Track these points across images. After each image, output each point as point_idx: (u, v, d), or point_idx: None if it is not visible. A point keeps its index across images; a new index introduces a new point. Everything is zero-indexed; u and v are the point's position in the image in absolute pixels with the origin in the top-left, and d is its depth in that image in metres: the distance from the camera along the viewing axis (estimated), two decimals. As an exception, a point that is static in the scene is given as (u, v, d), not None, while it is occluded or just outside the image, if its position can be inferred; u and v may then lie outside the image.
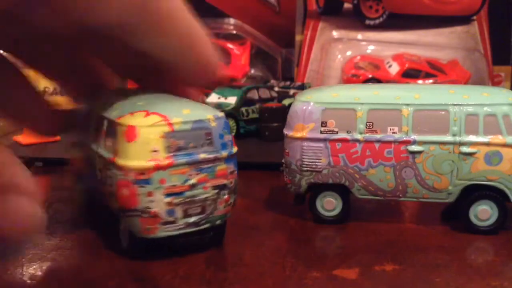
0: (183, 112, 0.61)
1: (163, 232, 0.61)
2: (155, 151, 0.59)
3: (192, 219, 0.62)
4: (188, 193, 0.61)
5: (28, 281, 0.60)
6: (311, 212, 0.76)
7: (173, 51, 0.56)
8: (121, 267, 0.62)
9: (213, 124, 0.62)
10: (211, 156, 0.62)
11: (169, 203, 0.60)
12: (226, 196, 0.64)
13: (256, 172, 0.95)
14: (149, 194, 0.59)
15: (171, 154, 0.59)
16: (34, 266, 0.63)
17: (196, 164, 0.61)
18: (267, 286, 0.58)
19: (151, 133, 0.59)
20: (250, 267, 0.62)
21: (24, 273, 0.62)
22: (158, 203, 0.60)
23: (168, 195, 0.60)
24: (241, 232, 0.71)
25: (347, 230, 0.73)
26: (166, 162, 0.59)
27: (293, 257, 0.64)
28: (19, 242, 0.36)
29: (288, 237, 0.73)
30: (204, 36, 0.59)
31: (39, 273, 0.61)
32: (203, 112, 0.63)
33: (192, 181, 0.61)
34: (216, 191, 0.63)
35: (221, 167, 0.63)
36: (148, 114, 0.60)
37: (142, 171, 0.58)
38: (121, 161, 0.59)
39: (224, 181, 0.63)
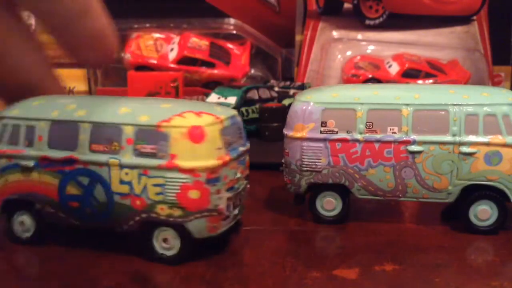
0: (219, 110, 0.64)
1: (222, 227, 0.62)
2: (219, 148, 0.60)
3: (235, 211, 0.64)
4: (236, 186, 0.63)
5: (28, 281, 0.60)
6: (311, 212, 0.76)
7: (65, 17, 0.53)
8: (121, 267, 0.62)
9: (238, 119, 0.66)
10: (245, 148, 0.66)
11: (229, 198, 0.62)
12: (248, 185, 0.68)
13: (256, 172, 0.95)
14: (218, 191, 0.60)
15: (228, 150, 0.61)
16: (34, 266, 0.63)
17: (239, 158, 0.64)
18: (267, 286, 0.58)
19: (214, 132, 0.60)
20: (250, 267, 0.62)
21: (24, 272, 0.62)
22: (224, 199, 0.61)
23: (227, 190, 0.62)
24: (241, 232, 0.71)
25: (347, 230, 0.73)
26: (228, 158, 0.61)
27: (293, 257, 0.64)
28: None
29: (288, 237, 0.73)
30: (100, 8, 0.56)
31: (39, 273, 0.62)
32: (228, 109, 0.67)
33: (238, 174, 0.64)
34: (246, 181, 0.67)
35: (247, 158, 0.67)
36: (198, 114, 0.60)
37: (214, 170, 0.59)
38: (188, 163, 0.58)
39: (248, 171, 0.67)
